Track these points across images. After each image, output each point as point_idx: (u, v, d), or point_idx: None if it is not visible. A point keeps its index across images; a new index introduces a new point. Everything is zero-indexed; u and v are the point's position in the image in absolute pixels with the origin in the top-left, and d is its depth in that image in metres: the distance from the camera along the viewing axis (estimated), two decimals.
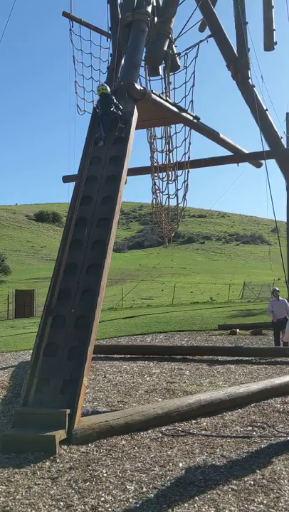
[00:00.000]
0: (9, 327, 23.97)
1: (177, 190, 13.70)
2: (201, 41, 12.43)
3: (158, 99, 10.58)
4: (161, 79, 12.40)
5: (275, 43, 14.39)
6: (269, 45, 14.33)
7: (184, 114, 11.78)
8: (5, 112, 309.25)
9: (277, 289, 13.01)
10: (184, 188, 13.53)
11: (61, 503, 3.97)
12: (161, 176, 14.62)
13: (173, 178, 13.97)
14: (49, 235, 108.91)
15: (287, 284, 10.05)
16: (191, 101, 12.01)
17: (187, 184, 13.43)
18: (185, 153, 13.12)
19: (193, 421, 6.20)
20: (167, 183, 14.15)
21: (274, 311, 12.45)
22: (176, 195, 13.76)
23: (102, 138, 8.63)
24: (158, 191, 15.00)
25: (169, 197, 14.13)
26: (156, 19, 11.60)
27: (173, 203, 14.21)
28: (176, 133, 13.44)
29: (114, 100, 8.84)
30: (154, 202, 15.27)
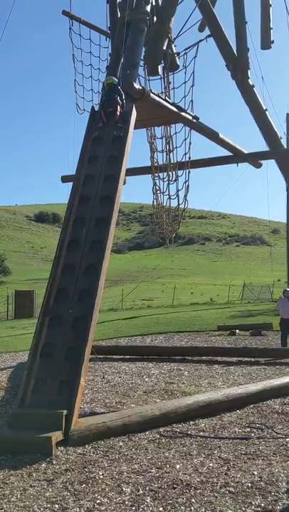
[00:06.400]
0: (9, 328, 23.93)
1: (178, 190, 13.64)
2: (200, 41, 12.38)
3: (157, 98, 10.53)
4: (161, 78, 12.36)
5: (272, 42, 14.34)
6: (266, 43, 14.28)
7: (182, 113, 11.72)
8: (5, 112, 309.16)
9: (288, 289, 13.01)
10: (185, 189, 13.46)
11: (56, 506, 3.91)
12: (161, 176, 14.56)
13: (174, 178, 13.91)
14: (49, 235, 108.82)
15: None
16: (191, 101, 11.94)
17: (188, 185, 13.37)
18: (185, 154, 13.06)
19: (192, 422, 6.15)
20: (168, 184, 14.09)
21: (283, 311, 12.48)
22: (177, 195, 13.70)
23: (102, 121, 8.72)
24: (158, 192, 14.95)
25: (170, 197, 14.07)
26: (155, 18, 11.56)
27: (174, 203, 14.15)
28: (176, 133, 13.39)
29: (120, 90, 8.86)
30: (154, 202, 15.21)
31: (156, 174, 14.63)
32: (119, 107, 8.69)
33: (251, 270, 72.16)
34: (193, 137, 12.75)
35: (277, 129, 15.49)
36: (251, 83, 14.49)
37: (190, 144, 12.75)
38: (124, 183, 9.38)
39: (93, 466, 4.77)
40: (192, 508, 3.80)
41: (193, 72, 11.99)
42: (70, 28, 12.73)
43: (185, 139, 12.82)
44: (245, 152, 15.31)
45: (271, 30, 14.34)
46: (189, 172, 13.31)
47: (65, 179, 14.18)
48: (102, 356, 11.83)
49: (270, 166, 16.98)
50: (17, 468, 4.72)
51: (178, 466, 4.69)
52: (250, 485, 4.19)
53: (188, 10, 13.39)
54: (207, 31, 14.01)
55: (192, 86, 11.93)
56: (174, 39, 12.65)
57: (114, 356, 12.09)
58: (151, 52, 11.64)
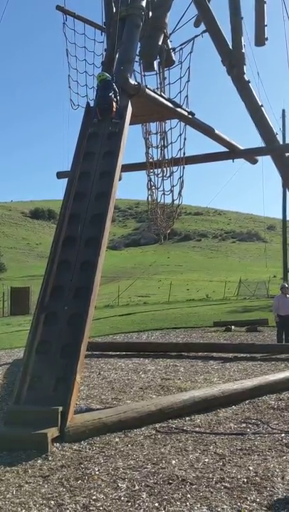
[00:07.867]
0: (4, 324, 23.91)
1: (173, 186, 13.61)
2: (196, 36, 12.31)
3: (152, 94, 10.49)
4: (156, 74, 12.30)
5: (266, 39, 14.28)
6: (260, 40, 14.21)
7: (178, 109, 11.68)
8: (5, 111, 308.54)
9: (286, 285, 13.02)
10: (180, 185, 13.44)
11: (52, 502, 3.91)
12: (156, 172, 14.51)
13: (168, 174, 13.88)
14: (45, 232, 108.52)
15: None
16: (186, 96, 11.91)
17: (183, 180, 13.34)
18: (180, 149, 13.04)
19: (187, 418, 6.15)
20: (162, 179, 14.05)
21: (280, 308, 12.48)
22: (172, 191, 13.68)
23: (96, 118, 8.67)
24: (153, 187, 14.91)
25: (164, 193, 14.04)
26: (150, 14, 11.50)
27: (168, 199, 14.12)
28: (171, 128, 13.35)
29: (114, 87, 8.79)
30: (149, 199, 15.17)
31: (151, 170, 14.59)
32: (114, 103, 8.63)
33: (247, 266, 72.26)
34: (189, 133, 12.74)
35: (273, 125, 15.46)
36: (247, 79, 14.44)
37: (185, 139, 12.75)
38: (120, 179, 9.36)
39: (89, 462, 4.77)
40: (188, 503, 3.81)
41: (188, 68, 11.96)
42: (63, 23, 12.65)
43: (180, 135, 12.82)
44: (241, 148, 15.29)
45: (266, 27, 14.25)
46: (184, 168, 13.30)
47: (60, 175, 14.13)
48: (98, 352, 11.83)
49: (266, 162, 16.98)
50: (13, 464, 4.72)
51: (174, 462, 4.70)
52: (245, 480, 4.21)
53: (184, 5, 13.34)
54: (203, 27, 13.95)
55: (188, 81, 11.90)
56: (170, 34, 12.60)
57: (111, 352, 12.09)
58: (147, 48, 11.59)
